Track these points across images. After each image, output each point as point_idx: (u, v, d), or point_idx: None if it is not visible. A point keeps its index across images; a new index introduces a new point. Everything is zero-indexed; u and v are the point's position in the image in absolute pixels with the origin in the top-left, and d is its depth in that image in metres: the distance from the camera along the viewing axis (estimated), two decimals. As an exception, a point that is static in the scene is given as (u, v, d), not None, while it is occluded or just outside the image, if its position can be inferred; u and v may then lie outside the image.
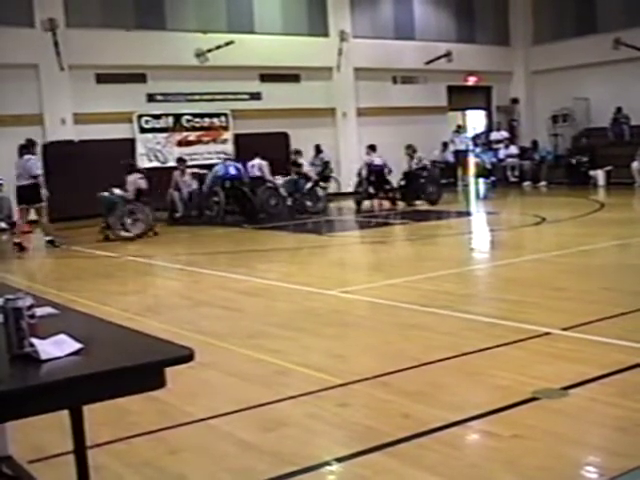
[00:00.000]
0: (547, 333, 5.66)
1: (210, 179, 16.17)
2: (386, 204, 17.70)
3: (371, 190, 17.75)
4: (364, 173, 17.81)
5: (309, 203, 17.03)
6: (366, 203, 17.82)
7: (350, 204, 18.11)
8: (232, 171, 16.07)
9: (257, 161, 16.66)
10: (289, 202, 16.91)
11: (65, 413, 2.49)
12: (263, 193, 16.29)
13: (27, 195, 12.67)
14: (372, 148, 18.23)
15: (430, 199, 17.73)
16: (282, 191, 16.79)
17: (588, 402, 4.24)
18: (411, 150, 18.41)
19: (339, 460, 3.61)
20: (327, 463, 3.58)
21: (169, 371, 2.22)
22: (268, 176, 16.61)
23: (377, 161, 17.83)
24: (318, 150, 19.95)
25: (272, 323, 6.61)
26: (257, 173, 16.58)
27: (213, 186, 16.01)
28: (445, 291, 7.68)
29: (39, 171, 12.84)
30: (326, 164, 19.57)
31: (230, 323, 6.83)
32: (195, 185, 16.30)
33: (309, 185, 17.02)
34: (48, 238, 13.03)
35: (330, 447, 3.85)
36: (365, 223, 15.92)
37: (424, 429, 3.87)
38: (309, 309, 7.20)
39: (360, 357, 5.50)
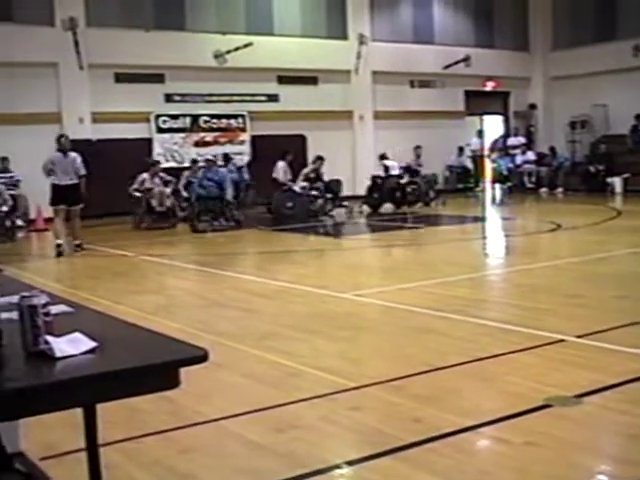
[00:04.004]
0: (561, 340, 5.64)
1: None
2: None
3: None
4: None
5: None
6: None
7: (365, 207, 18.20)
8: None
9: (280, 163, 16.78)
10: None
11: (77, 410, 2.51)
12: (278, 196, 16.36)
13: (70, 195, 11.91)
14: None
15: (370, 204, 18.26)
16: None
17: (601, 410, 4.22)
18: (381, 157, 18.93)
19: (350, 463, 3.60)
20: (338, 466, 3.58)
21: (181, 371, 2.22)
22: (282, 179, 16.63)
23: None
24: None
25: (286, 325, 6.62)
26: (274, 175, 16.72)
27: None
28: (459, 296, 7.66)
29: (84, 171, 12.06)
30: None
31: (244, 324, 6.84)
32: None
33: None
34: (77, 242, 12.22)
35: (341, 450, 3.85)
36: (380, 226, 15.91)
37: (435, 434, 3.86)
38: (323, 312, 7.20)
39: (373, 361, 5.49)
